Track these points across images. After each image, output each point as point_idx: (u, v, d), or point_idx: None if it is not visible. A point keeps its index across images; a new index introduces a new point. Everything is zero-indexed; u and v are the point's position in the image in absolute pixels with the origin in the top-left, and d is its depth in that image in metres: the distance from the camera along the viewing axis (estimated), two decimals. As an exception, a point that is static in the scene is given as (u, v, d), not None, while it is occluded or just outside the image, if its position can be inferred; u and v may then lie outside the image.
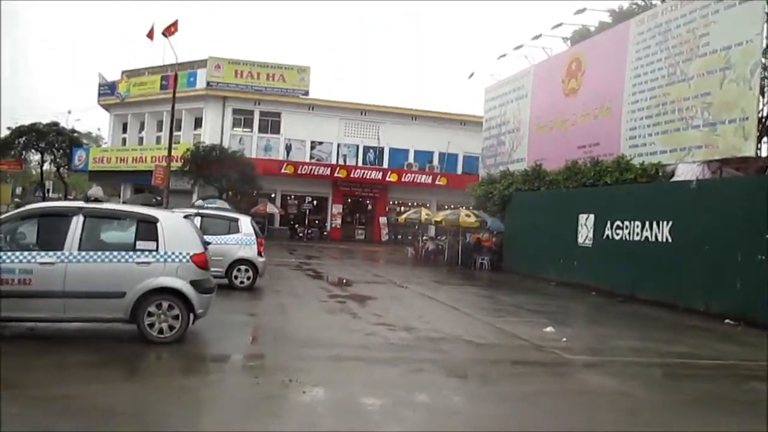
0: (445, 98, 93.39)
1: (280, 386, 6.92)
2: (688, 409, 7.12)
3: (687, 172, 19.45)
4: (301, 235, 40.44)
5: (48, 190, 49.53)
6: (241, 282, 14.45)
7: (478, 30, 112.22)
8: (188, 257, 8.59)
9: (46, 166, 48.42)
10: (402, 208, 43.64)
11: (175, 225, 8.80)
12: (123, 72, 44.71)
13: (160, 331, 8.42)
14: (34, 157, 46.79)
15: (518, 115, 30.51)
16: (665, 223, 16.91)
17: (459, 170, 43.61)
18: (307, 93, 42.16)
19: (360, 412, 6.18)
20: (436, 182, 41.91)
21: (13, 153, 44.09)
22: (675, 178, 19.40)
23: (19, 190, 55.81)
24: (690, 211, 16.09)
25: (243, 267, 14.45)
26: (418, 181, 42.01)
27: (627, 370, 8.85)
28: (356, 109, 43.12)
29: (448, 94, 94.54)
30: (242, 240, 14.46)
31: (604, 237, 19.40)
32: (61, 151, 44.64)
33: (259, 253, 14.61)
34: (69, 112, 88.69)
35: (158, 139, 42.55)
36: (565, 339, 10.66)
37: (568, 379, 8.27)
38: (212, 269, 14.05)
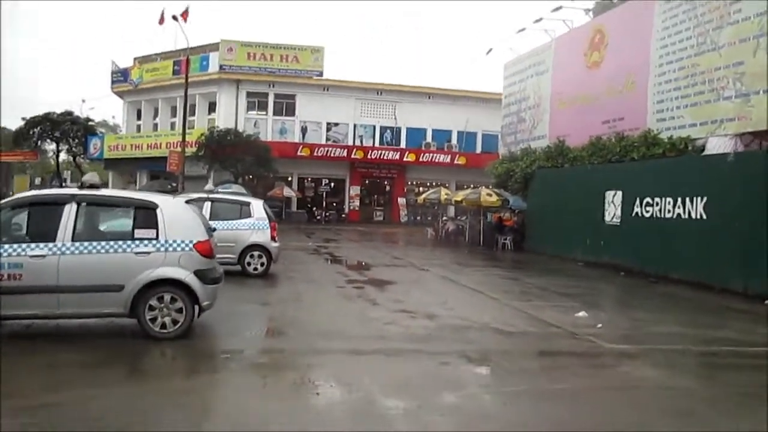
0: (462, 76, 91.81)
1: (291, 387, 6.21)
2: (746, 407, 6.29)
3: (718, 145, 18.65)
4: (318, 218, 39.80)
5: (65, 180, 49.27)
6: (255, 269, 13.77)
7: (497, 4, 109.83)
8: (191, 245, 7.88)
9: (62, 156, 48.29)
10: (420, 189, 42.84)
11: (176, 211, 8.09)
12: (135, 59, 44.07)
13: (163, 326, 7.75)
14: (50, 146, 46.38)
15: (539, 90, 29.61)
16: (699, 199, 15.95)
17: (478, 149, 42.61)
18: (321, 74, 41.26)
19: (380, 417, 5.45)
20: (455, 161, 40.95)
21: (28, 144, 43.81)
22: (705, 153, 18.53)
23: (38, 181, 55.68)
24: (726, 185, 15.07)
25: (256, 253, 13.77)
26: (437, 160, 41.09)
27: (671, 359, 8.04)
28: (372, 88, 42.18)
29: (465, 72, 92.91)
30: (254, 225, 13.76)
31: (633, 215, 18.49)
32: (77, 140, 44.30)
33: (273, 238, 13.91)
34: (83, 101, 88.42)
35: (172, 125, 41.96)
36: (600, 325, 9.85)
37: (608, 372, 7.47)
38: (224, 256, 13.54)
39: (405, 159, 41.04)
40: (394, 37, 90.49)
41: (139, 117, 45.51)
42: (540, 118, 29.41)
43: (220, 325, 8.82)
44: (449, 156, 41.15)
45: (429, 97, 42.47)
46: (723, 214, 15.03)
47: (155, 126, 44.05)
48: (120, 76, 44.29)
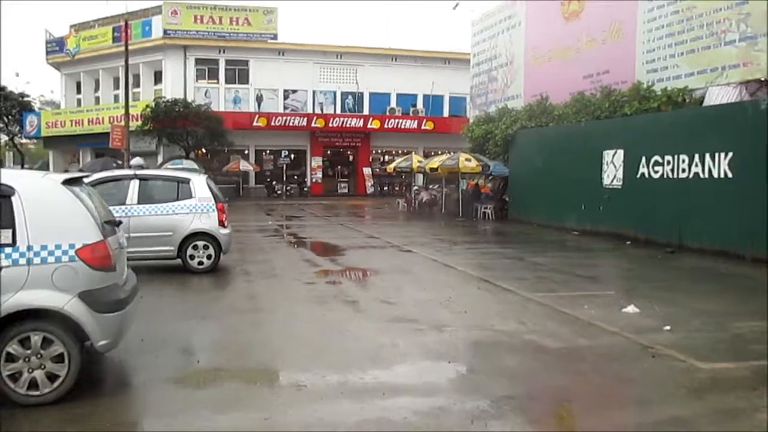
0: (426, 36, 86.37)
1: None
2: None
3: (719, 95, 16.32)
4: (279, 192, 36.40)
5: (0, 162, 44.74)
6: (199, 263, 10.64)
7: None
8: (72, 252, 4.81)
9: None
10: (386, 157, 39.89)
11: (46, 198, 4.98)
12: (71, 26, 39.56)
13: (32, 385, 4.71)
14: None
15: (511, 47, 26.90)
16: (722, 155, 13.46)
17: (445, 113, 39.64)
18: (275, 37, 37.48)
19: None
20: (422, 127, 37.90)
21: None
22: (705, 104, 16.16)
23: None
24: (757, 138, 12.52)
25: (200, 243, 10.62)
26: (403, 126, 37.95)
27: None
28: (331, 52, 38.56)
29: (430, 32, 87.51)
30: (197, 207, 10.59)
31: (639, 176, 15.98)
32: (10, 117, 39.89)
33: (222, 223, 10.77)
34: (17, 75, 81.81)
35: (116, 98, 37.82)
36: (668, 327, 7.11)
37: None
38: (159, 248, 10.46)
39: (369, 126, 37.79)
40: None
41: (78, 90, 41.13)
42: (513, 77, 26.82)
43: (126, 369, 5.79)
44: (416, 121, 38.05)
45: (393, 59, 39.13)
46: (753, 171, 12.54)
47: (97, 99, 39.84)
48: (55, 45, 39.77)
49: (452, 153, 24.61)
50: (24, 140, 46.20)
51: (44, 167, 41.62)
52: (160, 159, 34.81)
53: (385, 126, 37.80)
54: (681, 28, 17.64)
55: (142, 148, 34.45)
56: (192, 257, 10.61)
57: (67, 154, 41.28)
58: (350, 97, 39.23)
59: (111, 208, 10.32)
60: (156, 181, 10.92)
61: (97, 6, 55.95)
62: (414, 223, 22.09)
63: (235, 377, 5.45)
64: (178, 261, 10.66)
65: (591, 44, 21.51)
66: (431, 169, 23.55)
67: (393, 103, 39.14)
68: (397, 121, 37.99)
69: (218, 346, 6.61)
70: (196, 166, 31.43)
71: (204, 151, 36.25)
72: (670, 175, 14.92)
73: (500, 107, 25.11)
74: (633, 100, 18.01)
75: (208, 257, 10.66)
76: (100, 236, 5.04)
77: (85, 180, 5.90)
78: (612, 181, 17.11)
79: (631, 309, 8.03)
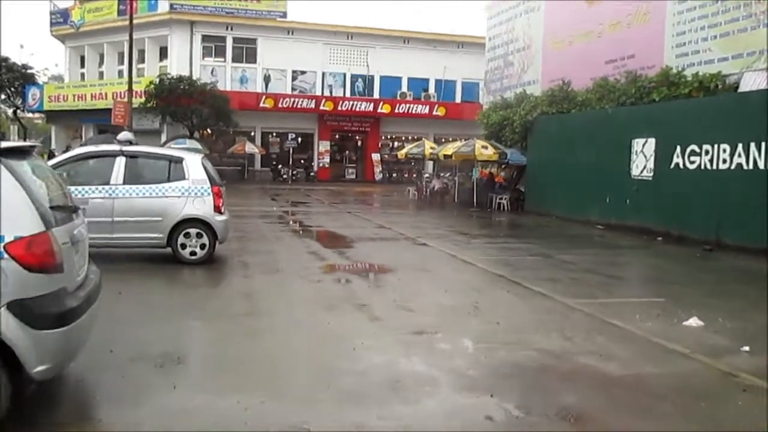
0: (440, 18, 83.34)
1: None
2: None
3: (756, 81, 14.92)
4: (285, 176, 34.99)
5: (2, 135, 43.41)
6: (192, 253, 9.33)
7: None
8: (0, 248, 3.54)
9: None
10: (396, 143, 38.45)
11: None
12: (76, -2, 38.16)
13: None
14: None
15: (528, 30, 25.58)
16: (771, 145, 12.14)
17: (458, 99, 38.12)
18: (285, 15, 35.95)
19: None
20: (434, 112, 36.39)
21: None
22: (741, 90, 14.85)
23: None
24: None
25: (193, 231, 9.31)
26: (414, 111, 36.44)
27: None
28: (341, 32, 36.95)
29: (443, 14, 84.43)
30: (190, 190, 9.27)
31: (672, 166, 14.70)
32: (13, 89, 38.55)
33: (218, 209, 9.45)
34: (21, 47, 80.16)
35: (120, 73, 36.41)
36: (746, 348, 5.83)
37: None
38: (146, 235, 9.17)
39: (379, 110, 36.29)
40: None
41: (82, 64, 39.65)
42: (530, 62, 25.54)
43: (86, 396, 4.52)
44: (427, 107, 36.52)
45: (405, 42, 37.52)
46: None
47: (101, 74, 38.41)
48: (59, 17, 38.32)
49: (466, 140, 23.22)
50: (28, 114, 44.91)
51: (47, 143, 40.39)
52: (163, 137, 33.49)
53: (396, 111, 36.33)
54: (715, 10, 16.41)
55: (145, 126, 33.10)
56: (183, 246, 9.31)
57: (70, 130, 39.94)
58: (360, 80, 37.72)
59: (93, 188, 9.21)
60: (145, 159, 9.57)
61: None
62: (426, 212, 20.77)
63: (219, 413, 4.16)
64: (168, 250, 9.37)
65: (615, 27, 20.30)
66: (445, 156, 22.18)
67: (404, 88, 37.61)
68: (408, 105, 36.50)
69: (203, 364, 5.33)
70: (199, 146, 30.14)
71: (209, 131, 34.93)
72: (709, 167, 13.65)
73: (518, 92, 23.73)
74: (661, 85, 16.68)
75: (202, 247, 9.36)
76: (40, 226, 3.75)
77: (35, 151, 4.58)
78: (642, 171, 15.84)
79: (693, 322, 6.76)
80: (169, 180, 9.31)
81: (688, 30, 17.37)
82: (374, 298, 7.67)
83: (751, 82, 15.15)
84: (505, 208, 21.12)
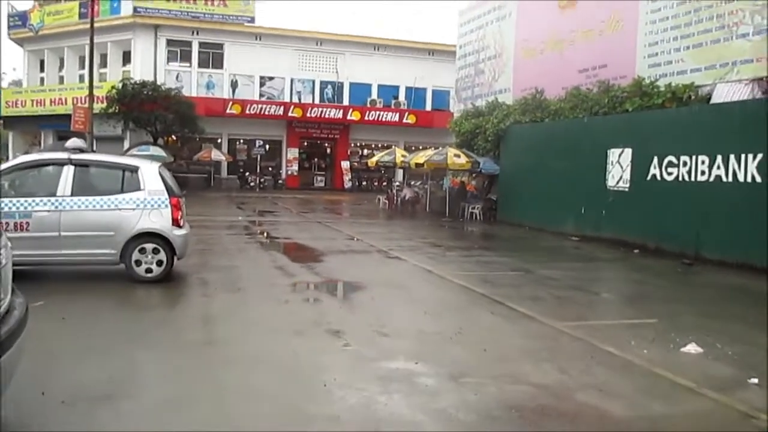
0: (411, 25, 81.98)
1: None
2: None
3: (729, 93, 14.72)
4: (252, 184, 34.05)
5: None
6: (147, 270, 8.50)
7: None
8: None
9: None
10: (366, 151, 37.82)
11: None
12: (36, 0, 36.71)
13: None
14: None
15: (500, 38, 25.21)
16: (751, 156, 11.85)
17: (428, 106, 37.67)
18: (252, 20, 35.07)
19: None
20: (404, 120, 35.85)
21: None
22: (713, 102, 14.60)
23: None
24: (795, 138, 10.93)
25: (149, 246, 8.48)
26: (384, 119, 35.83)
27: None
28: (311, 38, 36.23)
29: (414, 21, 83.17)
30: (146, 202, 8.46)
31: (649, 178, 14.32)
32: (-32, 94, 36.96)
33: (176, 222, 8.63)
34: (-23, 51, 77.72)
35: (81, 78, 35.05)
36: (754, 380, 5.28)
37: None
38: (96, 251, 8.33)
39: (349, 117, 35.62)
40: None
41: (42, 68, 38.22)
42: (502, 70, 25.17)
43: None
44: (398, 114, 35.96)
45: (376, 49, 36.91)
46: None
47: (61, 79, 37.03)
48: (18, 20, 36.84)
49: (437, 148, 22.69)
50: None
51: (3, 150, 38.79)
52: (126, 144, 32.33)
53: (366, 118, 35.68)
54: (687, 20, 16.16)
55: (107, 132, 31.88)
56: (138, 263, 8.48)
57: (28, 136, 38.47)
58: (330, 86, 37.01)
59: (38, 200, 8.32)
60: (96, 168, 8.71)
61: None
62: (397, 222, 20.12)
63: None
64: (122, 267, 8.53)
65: (587, 36, 20.00)
66: (417, 165, 21.57)
67: (374, 95, 37.01)
68: (378, 113, 35.89)
69: (149, 406, 4.54)
70: (163, 153, 29.11)
71: (175, 138, 33.84)
72: (687, 178, 13.26)
73: (491, 101, 23.31)
74: (634, 96, 16.41)
75: (159, 263, 8.54)
76: None
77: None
78: (617, 182, 15.44)
79: (692, 348, 6.21)
80: (122, 191, 8.47)
81: (661, 40, 17.16)
82: (347, 321, 6.95)
83: (724, 94, 14.94)
84: (478, 217, 20.62)
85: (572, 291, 9.25)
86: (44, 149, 30.13)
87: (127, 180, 8.52)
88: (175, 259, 8.75)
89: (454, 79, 29.12)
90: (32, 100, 35.51)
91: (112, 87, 30.12)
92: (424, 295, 8.74)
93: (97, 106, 29.72)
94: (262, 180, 34.54)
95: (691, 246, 12.94)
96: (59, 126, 33.41)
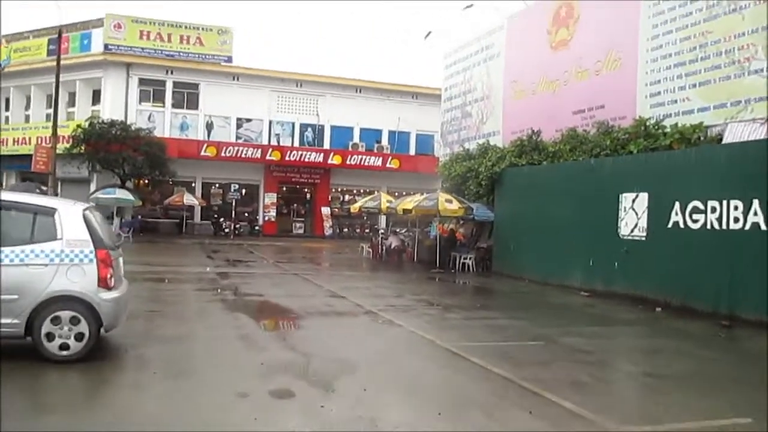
0: (394, 68, 79.71)
1: None
2: None
3: (743, 133, 13.35)
4: (227, 230, 31.68)
5: None
6: (63, 346, 6.24)
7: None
8: None
9: None
10: (347, 197, 35.83)
11: None
12: (3, 36, 34.67)
13: None
14: None
15: (488, 79, 23.99)
16: (795, 202, 10.13)
17: (412, 151, 35.94)
18: (230, 60, 33.25)
19: None
20: (387, 165, 33.95)
21: None
22: (725, 142, 13.26)
23: None
24: None
25: (66, 314, 6.25)
26: (366, 163, 33.90)
27: None
28: (290, 79, 34.41)
29: (397, 63, 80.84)
30: (63, 255, 6.26)
31: (670, 225, 12.58)
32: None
33: (104, 283, 6.41)
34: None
35: (48, 117, 32.82)
36: None
37: None
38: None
39: (329, 162, 33.64)
40: (316, 19, 75.93)
41: (7, 107, 35.95)
42: (490, 112, 23.85)
43: None
44: (380, 158, 34.08)
45: (358, 91, 35.22)
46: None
47: (27, 118, 34.76)
48: (-17, 57, 34.80)
49: (424, 193, 20.76)
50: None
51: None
52: (92, 187, 30.02)
53: (347, 162, 33.74)
54: (693, 57, 14.87)
55: (71, 174, 29.67)
56: (51, 337, 6.23)
57: (-11, 177, 35.92)
58: (310, 129, 35.13)
59: None
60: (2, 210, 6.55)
61: (35, 16, 49.88)
62: (384, 274, 17.93)
63: None
64: (29, 341, 6.28)
65: (582, 76, 18.72)
66: (404, 211, 19.56)
67: (356, 138, 35.15)
68: (360, 157, 33.97)
69: None
70: (131, 197, 26.88)
71: (146, 181, 31.61)
72: (717, 226, 11.52)
73: (481, 143, 21.62)
74: (637, 137, 15.02)
75: (78, 337, 6.29)
76: None
77: None
78: (632, 231, 13.67)
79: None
80: (32, 240, 6.29)
81: (664, 78, 15.90)
82: (334, 423, 4.77)
83: (738, 134, 13.53)
84: (471, 268, 18.60)
85: (615, 370, 7.20)
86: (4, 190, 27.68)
87: (39, 226, 6.34)
88: (102, 331, 6.52)
89: (438, 123, 27.78)
90: (-6, 140, 33.21)
91: (78, 126, 27.99)
92: (432, 380, 6.55)
93: (62, 146, 27.57)
94: (237, 226, 32.21)
95: (723, 304, 11.18)
96: (22, 166, 31.14)
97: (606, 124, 16.67)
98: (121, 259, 7.29)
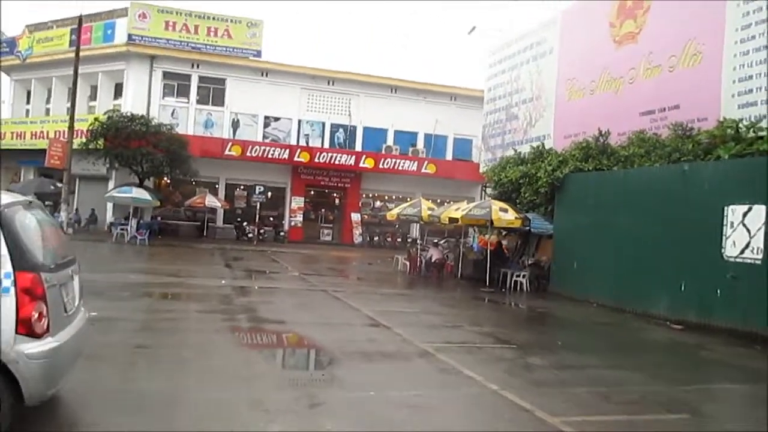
0: (431, 67, 74.94)
1: None
2: None
3: None
4: (250, 235, 29.12)
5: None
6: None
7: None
8: None
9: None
10: (378, 202, 33.24)
11: None
12: (26, 26, 32.82)
13: None
14: None
15: (538, 78, 21.61)
16: None
17: (449, 155, 33.22)
18: (259, 54, 30.90)
19: None
20: (423, 170, 31.22)
21: None
22: None
23: None
24: None
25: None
26: (400, 168, 31.17)
27: None
28: (321, 77, 31.89)
29: (435, 63, 75.52)
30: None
31: (797, 248, 9.64)
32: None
33: (26, 327, 3.84)
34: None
35: (69, 110, 30.92)
36: None
37: None
38: None
39: (361, 165, 31.00)
40: (350, 14, 71.71)
41: (28, 100, 34.07)
42: (540, 114, 21.50)
43: None
44: (416, 163, 31.37)
45: (393, 91, 32.59)
46: None
47: (47, 111, 32.80)
48: (5, 46, 32.78)
49: (467, 201, 18.04)
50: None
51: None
52: (111, 185, 27.86)
53: (380, 166, 31.09)
54: None
55: (89, 171, 27.47)
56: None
57: (9, 172, 33.97)
58: (341, 130, 32.62)
59: None
60: None
61: (59, 6, 48.02)
62: (427, 293, 15.20)
63: None
64: None
65: (652, 72, 16.27)
66: (450, 220, 16.83)
67: (390, 141, 32.47)
68: (393, 161, 31.28)
69: None
70: (148, 197, 24.51)
71: (167, 180, 29.38)
72: None
73: (536, 146, 18.93)
74: (723, 141, 12.55)
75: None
76: None
77: None
78: (743, 251, 11.01)
79: None
80: None
81: (757, 74, 13.14)
82: None
83: None
84: (524, 287, 15.86)
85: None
86: (15, 188, 25.56)
87: None
88: (22, 403, 3.93)
89: (478, 127, 25.31)
90: (12, 133, 31.23)
91: (95, 119, 25.81)
92: None
93: (79, 141, 25.46)
94: (261, 231, 29.68)
95: None
96: (40, 163, 29.07)
97: (684, 126, 14.14)
98: (76, 280, 4.73)
